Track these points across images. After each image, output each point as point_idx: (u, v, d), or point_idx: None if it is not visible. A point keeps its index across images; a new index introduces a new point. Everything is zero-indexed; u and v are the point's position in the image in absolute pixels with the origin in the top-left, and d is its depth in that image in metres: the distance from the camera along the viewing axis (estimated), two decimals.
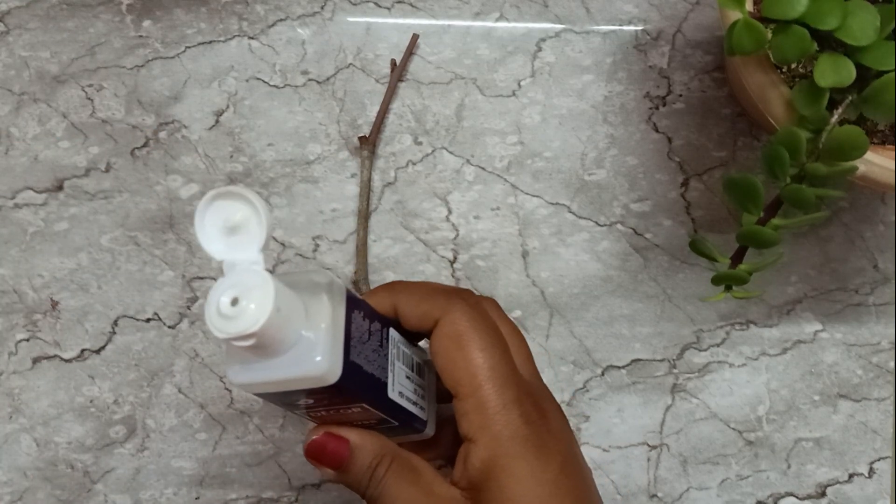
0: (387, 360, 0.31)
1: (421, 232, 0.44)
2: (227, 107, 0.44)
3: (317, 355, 0.26)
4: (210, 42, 0.44)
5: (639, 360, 0.45)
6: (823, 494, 0.45)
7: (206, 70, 0.44)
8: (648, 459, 0.45)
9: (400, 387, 0.31)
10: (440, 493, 0.30)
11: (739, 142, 0.44)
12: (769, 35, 0.33)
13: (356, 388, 0.28)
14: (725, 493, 0.45)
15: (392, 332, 0.31)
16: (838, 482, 0.45)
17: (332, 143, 0.44)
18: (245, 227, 0.25)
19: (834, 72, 0.32)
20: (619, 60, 0.44)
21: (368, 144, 0.44)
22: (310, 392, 0.28)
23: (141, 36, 0.44)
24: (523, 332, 0.44)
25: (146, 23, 0.44)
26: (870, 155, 0.33)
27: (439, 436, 0.33)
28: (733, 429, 0.45)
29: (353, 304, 0.29)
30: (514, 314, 0.44)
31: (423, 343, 0.34)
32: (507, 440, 0.29)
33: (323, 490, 0.44)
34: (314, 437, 0.31)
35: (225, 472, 0.44)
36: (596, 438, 0.45)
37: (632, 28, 0.44)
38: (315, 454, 0.31)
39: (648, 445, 0.45)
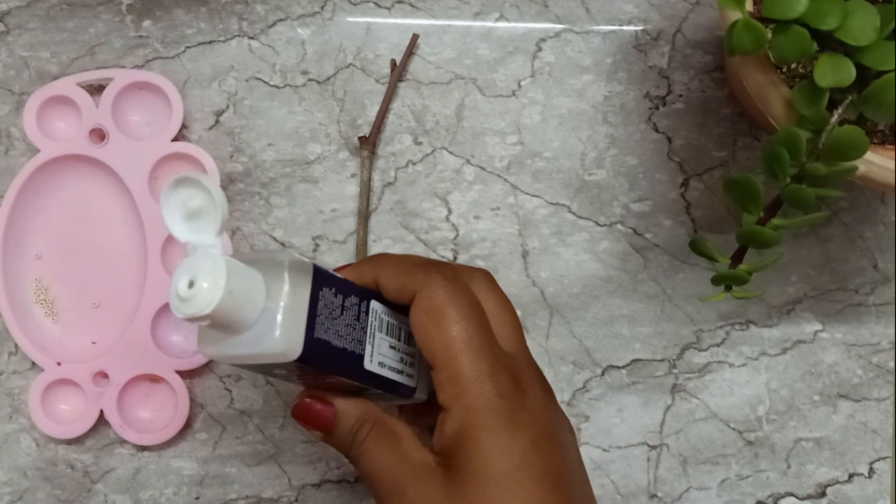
0: (365, 332, 0.32)
1: (421, 232, 0.44)
2: (227, 107, 0.44)
3: (276, 332, 0.28)
4: (210, 42, 0.44)
5: (639, 360, 0.45)
6: (823, 494, 0.45)
7: (206, 70, 0.44)
8: (648, 459, 0.45)
9: (381, 357, 0.32)
10: (415, 458, 0.31)
11: (739, 142, 0.44)
12: (769, 35, 0.33)
13: (325, 363, 0.30)
14: (725, 493, 0.45)
15: (374, 304, 0.32)
16: (838, 482, 0.45)
17: (332, 143, 0.44)
18: (204, 212, 0.27)
19: (834, 72, 0.32)
20: (619, 60, 0.44)
21: (368, 144, 0.44)
22: (278, 365, 0.29)
23: (141, 36, 0.44)
24: (523, 331, 0.44)
25: (146, 23, 0.44)
26: (870, 155, 0.33)
27: (434, 401, 0.34)
28: (733, 429, 0.45)
29: (323, 281, 0.30)
30: None
31: None
32: (478, 412, 0.30)
33: (323, 490, 0.44)
34: (301, 400, 0.33)
35: (225, 472, 0.44)
36: (596, 438, 0.45)
37: (632, 28, 0.44)
38: (301, 416, 0.33)
39: (648, 445, 0.45)
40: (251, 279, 0.28)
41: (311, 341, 0.29)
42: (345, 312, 0.31)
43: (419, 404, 0.35)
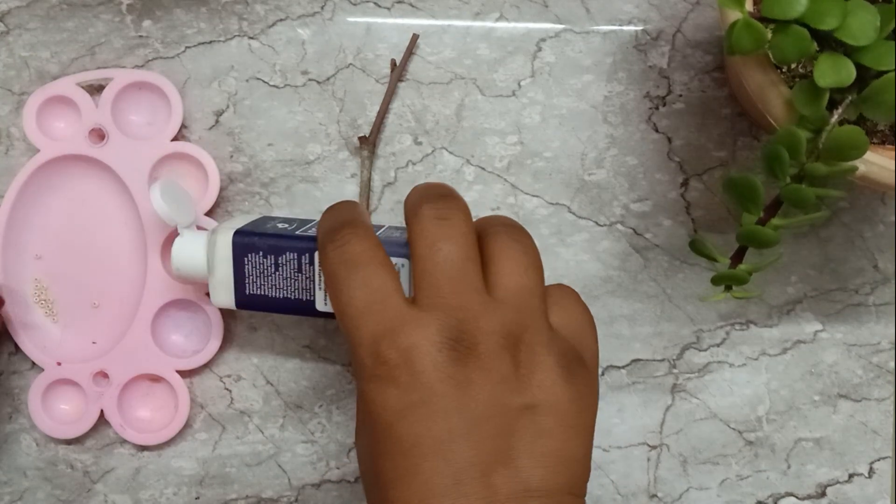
0: (312, 281, 0.36)
1: None
2: (227, 107, 0.44)
3: (212, 290, 0.38)
4: (210, 42, 0.44)
5: (639, 360, 0.45)
6: (823, 494, 0.45)
7: (206, 70, 0.44)
8: (648, 459, 0.45)
9: None
10: None
11: (739, 142, 0.44)
12: (769, 35, 0.33)
13: (269, 310, 0.38)
14: (725, 493, 0.45)
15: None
16: (838, 482, 0.45)
17: (332, 143, 0.44)
18: (182, 201, 0.39)
19: (834, 72, 0.32)
20: (619, 60, 0.44)
21: (368, 144, 0.44)
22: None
23: (141, 36, 0.44)
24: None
25: (146, 23, 0.44)
26: (870, 155, 0.33)
27: None
28: (733, 429, 0.45)
29: (247, 248, 0.37)
30: None
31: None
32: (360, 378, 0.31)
33: (323, 490, 0.45)
34: None
35: (225, 472, 0.44)
36: (596, 438, 0.45)
37: (632, 28, 0.44)
38: None
39: (648, 445, 0.45)
40: (199, 249, 0.38)
41: (243, 297, 0.38)
42: (281, 269, 0.37)
43: None
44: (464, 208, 0.32)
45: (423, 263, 0.30)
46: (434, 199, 0.32)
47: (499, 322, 0.30)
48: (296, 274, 0.37)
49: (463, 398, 0.29)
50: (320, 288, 0.37)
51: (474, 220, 0.32)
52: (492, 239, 0.32)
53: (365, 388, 0.30)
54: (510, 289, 0.31)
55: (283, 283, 0.37)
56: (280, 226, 0.38)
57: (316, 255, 0.36)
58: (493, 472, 0.29)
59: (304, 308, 0.37)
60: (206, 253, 0.38)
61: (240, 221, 0.39)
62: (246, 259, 0.37)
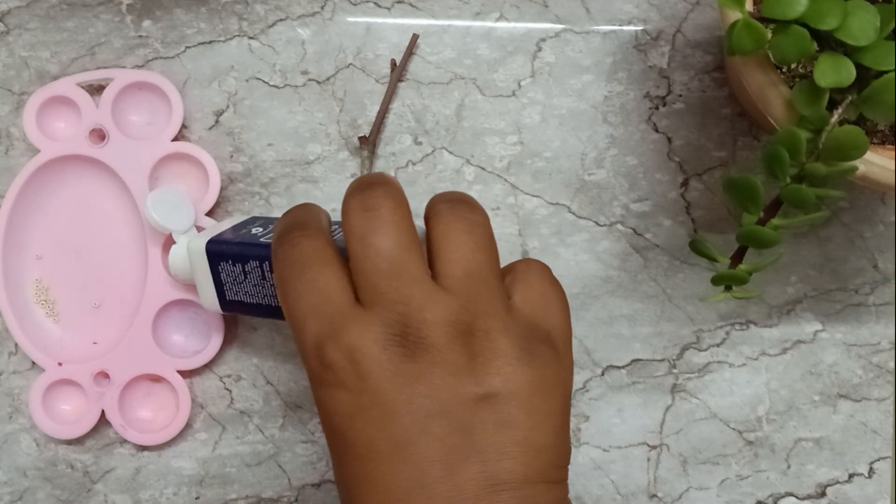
0: (273, 287, 0.37)
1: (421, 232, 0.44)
2: (227, 107, 0.44)
3: (200, 296, 0.39)
4: (210, 42, 0.44)
5: (639, 360, 0.45)
6: (823, 494, 0.45)
7: (206, 70, 0.44)
8: (648, 459, 0.45)
9: None
10: None
11: (739, 142, 0.45)
12: (769, 35, 0.33)
13: (249, 314, 0.39)
14: (725, 493, 0.45)
15: None
16: (838, 482, 0.45)
17: (332, 143, 0.44)
18: (178, 208, 0.41)
19: (834, 72, 0.32)
20: (619, 60, 0.44)
21: (368, 144, 0.44)
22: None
23: (141, 36, 0.44)
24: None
25: (146, 23, 0.44)
26: (870, 155, 0.33)
27: None
28: (733, 429, 0.45)
29: (219, 257, 0.37)
30: None
31: None
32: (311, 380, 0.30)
33: (323, 490, 0.45)
34: None
35: (225, 472, 0.44)
36: (596, 438, 0.45)
37: (632, 28, 0.44)
38: None
39: (648, 445, 0.45)
40: (185, 259, 0.39)
41: (226, 303, 0.39)
42: (248, 276, 0.37)
43: None
44: (393, 194, 0.29)
45: (356, 260, 0.29)
46: (360, 190, 0.30)
47: (446, 311, 0.28)
48: (261, 281, 0.37)
49: (414, 396, 0.27)
50: None
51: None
52: (434, 221, 0.30)
53: (315, 393, 0.29)
54: (457, 274, 0.29)
55: (253, 290, 0.37)
56: (254, 230, 0.38)
57: None
58: (457, 469, 0.27)
59: (275, 313, 0.37)
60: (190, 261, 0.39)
61: (226, 224, 0.39)
62: (220, 267, 0.38)
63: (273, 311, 0.37)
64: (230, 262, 0.37)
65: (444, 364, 0.28)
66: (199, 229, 0.42)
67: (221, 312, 0.39)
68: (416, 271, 0.28)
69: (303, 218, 0.31)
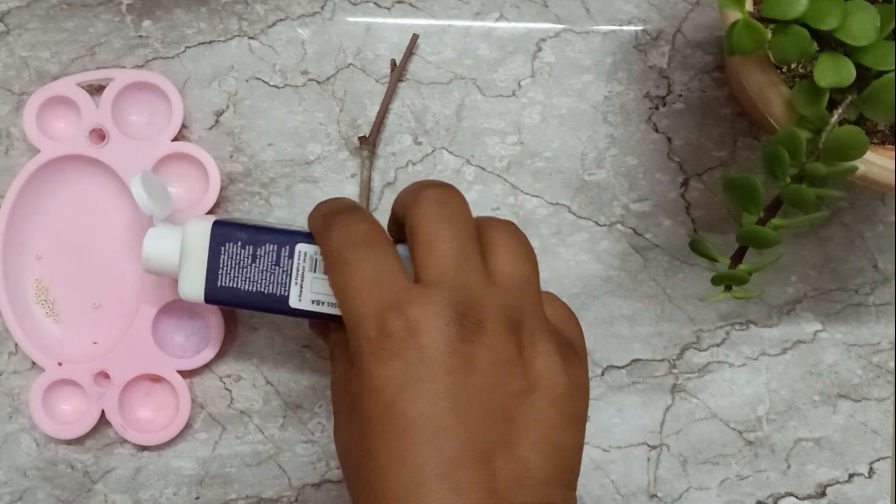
0: (289, 275, 0.36)
1: None
2: (227, 107, 0.44)
3: (180, 282, 0.37)
4: (210, 42, 0.44)
5: (639, 360, 0.45)
6: (823, 494, 0.45)
7: (206, 70, 0.44)
8: (648, 459, 0.45)
9: (315, 296, 0.36)
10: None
11: (739, 142, 0.45)
12: (769, 35, 0.33)
13: (238, 304, 0.37)
14: (725, 493, 0.45)
15: (301, 247, 0.36)
16: (838, 482, 0.45)
17: (332, 143, 0.44)
18: (161, 194, 0.39)
19: (834, 72, 0.32)
20: (619, 60, 0.44)
21: (368, 144, 0.44)
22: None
23: (141, 36, 0.44)
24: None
25: (146, 23, 0.44)
26: (870, 155, 0.33)
27: None
28: (733, 429, 0.45)
29: (225, 237, 0.36)
30: None
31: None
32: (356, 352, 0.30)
33: (323, 490, 0.45)
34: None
35: (225, 472, 0.44)
36: (596, 438, 0.45)
37: (632, 28, 0.44)
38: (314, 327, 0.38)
39: (648, 445, 0.45)
40: (173, 240, 0.38)
41: (214, 289, 0.37)
42: (258, 260, 0.36)
43: None
44: (462, 197, 0.32)
45: (429, 241, 0.30)
46: (435, 185, 0.32)
47: (502, 304, 0.30)
48: (273, 267, 0.36)
49: (468, 376, 0.28)
50: (296, 283, 0.36)
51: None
52: (489, 231, 0.32)
53: (366, 364, 0.29)
54: (509, 275, 0.31)
55: (259, 276, 0.36)
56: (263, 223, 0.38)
57: (297, 248, 0.36)
58: (493, 456, 0.28)
59: (277, 303, 0.36)
60: (179, 243, 0.37)
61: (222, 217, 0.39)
62: (223, 249, 0.37)
63: (271, 301, 0.36)
64: (239, 244, 0.36)
65: (497, 351, 0.29)
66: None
67: (202, 301, 0.37)
68: (477, 263, 0.30)
69: (351, 202, 0.34)
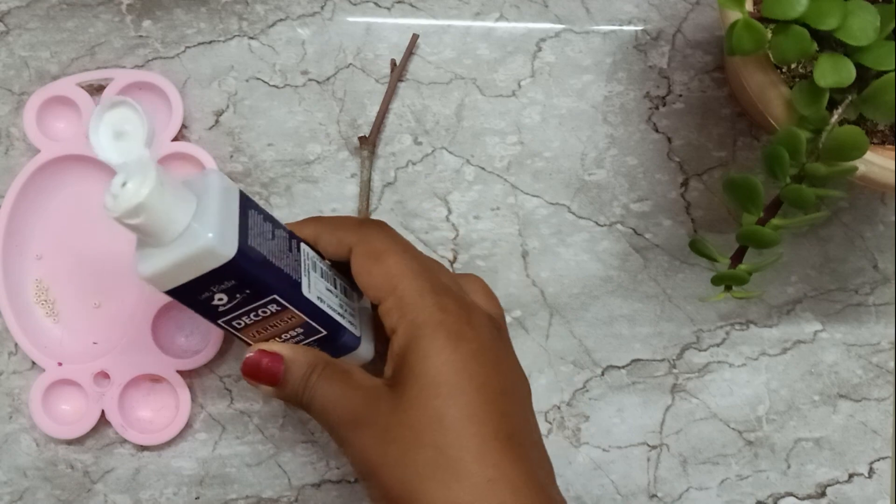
0: (299, 264, 0.33)
1: (421, 232, 0.44)
2: (227, 107, 0.44)
3: (209, 232, 0.29)
4: (210, 42, 0.44)
5: (639, 360, 0.45)
6: (823, 494, 0.45)
7: (206, 70, 0.44)
8: (648, 459, 0.45)
9: (318, 292, 0.34)
10: (366, 384, 0.32)
11: (739, 142, 0.45)
12: (769, 35, 0.33)
13: (262, 274, 0.31)
14: (725, 493, 0.45)
15: (305, 246, 0.34)
16: (838, 482, 0.45)
17: (331, 143, 0.44)
18: (131, 132, 0.31)
19: (834, 72, 0.32)
20: (619, 60, 0.44)
21: (368, 144, 0.44)
22: (218, 282, 0.30)
23: (141, 36, 0.44)
24: (523, 331, 0.44)
25: (146, 23, 0.44)
26: (870, 155, 0.33)
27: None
28: (733, 429, 0.45)
29: (251, 204, 0.32)
30: (514, 314, 0.44)
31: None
32: (420, 324, 0.31)
33: (323, 490, 0.45)
34: (249, 356, 0.33)
35: (225, 472, 0.44)
36: (596, 438, 0.45)
37: (632, 28, 0.44)
38: (251, 372, 0.33)
39: (648, 445, 0.45)
40: (181, 188, 0.30)
41: (245, 245, 0.30)
42: (276, 238, 0.33)
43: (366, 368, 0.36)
44: None
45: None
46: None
47: (502, 320, 0.37)
48: (287, 252, 0.33)
49: (507, 356, 0.34)
50: (305, 275, 0.33)
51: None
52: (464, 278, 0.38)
53: (423, 333, 0.31)
54: (495, 305, 0.37)
55: (278, 253, 0.32)
56: None
57: (302, 244, 0.34)
58: (535, 429, 0.34)
59: (292, 287, 0.32)
60: (193, 191, 0.31)
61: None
62: (249, 213, 0.32)
63: (288, 284, 0.32)
64: (262, 216, 0.33)
65: (509, 349, 0.34)
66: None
67: (232, 257, 0.30)
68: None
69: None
